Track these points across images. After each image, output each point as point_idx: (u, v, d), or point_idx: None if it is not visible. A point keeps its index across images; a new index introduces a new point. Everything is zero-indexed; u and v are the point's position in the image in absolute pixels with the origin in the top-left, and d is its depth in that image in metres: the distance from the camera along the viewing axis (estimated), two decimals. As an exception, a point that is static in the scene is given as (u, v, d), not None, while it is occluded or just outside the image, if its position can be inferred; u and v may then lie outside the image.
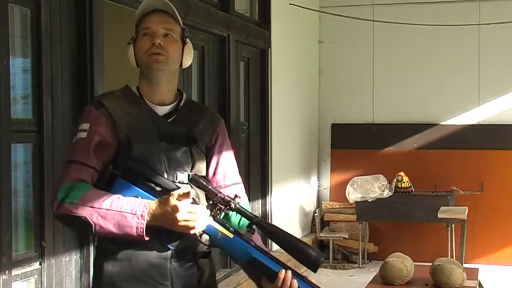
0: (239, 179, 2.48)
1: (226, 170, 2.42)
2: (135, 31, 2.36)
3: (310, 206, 8.86)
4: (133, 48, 2.34)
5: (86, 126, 2.26)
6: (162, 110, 2.34)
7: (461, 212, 7.08)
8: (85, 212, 2.12)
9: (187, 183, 2.23)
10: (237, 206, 2.18)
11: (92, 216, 2.11)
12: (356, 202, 8.22)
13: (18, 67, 3.79)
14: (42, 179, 3.81)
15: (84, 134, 2.24)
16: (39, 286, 3.81)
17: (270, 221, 7.29)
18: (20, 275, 3.65)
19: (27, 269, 3.73)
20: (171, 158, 2.28)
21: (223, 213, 2.20)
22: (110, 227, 2.11)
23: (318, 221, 8.44)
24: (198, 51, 5.97)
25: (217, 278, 6.75)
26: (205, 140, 2.38)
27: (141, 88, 2.36)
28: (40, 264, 3.81)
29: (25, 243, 3.80)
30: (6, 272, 3.45)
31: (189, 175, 2.26)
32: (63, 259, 3.99)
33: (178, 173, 2.26)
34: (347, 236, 8.36)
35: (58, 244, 3.93)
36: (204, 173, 2.36)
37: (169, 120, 2.34)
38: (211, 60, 6.18)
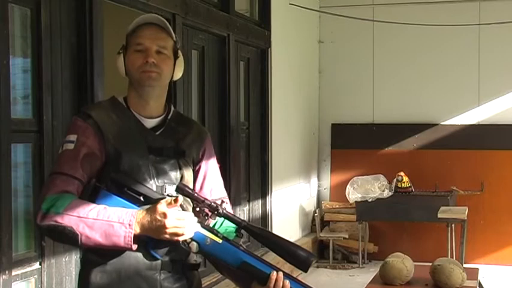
0: (225, 193, 2.47)
1: (212, 185, 2.41)
2: (125, 41, 2.32)
3: (310, 206, 8.86)
4: (124, 58, 2.30)
5: (73, 137, 2.22)
6: (150, 123, 2.32)
7: (461, 212, 7.08)
8: (71, 222, 2.08)
9: (175, 196, 2.19)
10: (224, 211, 2.17)
11: (78, 226, 2.07)
12: (356, 202, 8.22)
13: (18, 67, 3.79)
14: (42, 179, 3.80)
15: (71, 146, 2.21)
16: (39, 286, 3.81)
17: (270, 221, 7.30)
18: (20, 275, 3.65)
19: (27, 269, 3.73)
20: (160, 170, 2.26)
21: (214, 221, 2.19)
22: (97, 236, 2.07)
23: (318, 221, 8.44)
24: (198, 51, 5.97)
25: (217, 279, 6.73)
26: (192, 154, 2.37)
27: (129, 100, 2.33)
28: (40, 264, 3.81)
29: (25, 243, 3.80)
30: (6, 272, 3.45)
31: (177, 186, 2.22)
32: (63, 259, 3.99)
33: (167, 185, 2.25)
34: (347, 236, 8.36)
35: (58, 244, 3.92)
36: (191, 186, 2.34)
37: (157, 133, 2.32)
38: (211, 60, 6.18)
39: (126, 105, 2.33)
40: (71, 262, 4.05)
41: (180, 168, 2.31)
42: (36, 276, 3.80)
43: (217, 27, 6.09)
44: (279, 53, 7.48)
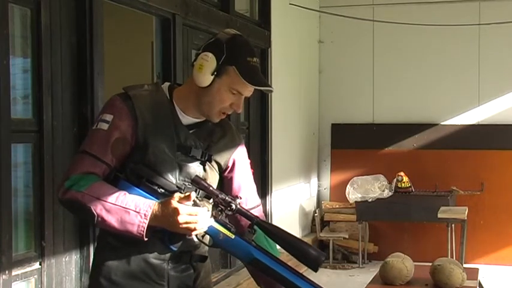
0: (259, 200, 2.51)
1: (248, 195, 2.44)
2: (222, 59, 2.24)
3: (310, 206, 8.86)
4: (213, 83, 2.24)
5: (109, 117, 2.23)
6: (187, 120, 2.33)
7: (461, 212, 7.08)
8: (90, 202, 2.12)
9: (189, 186, 2.23)
10: (238, 207, 2.19)
11: (96, 208, 2.12)
12: (356, 202, 8.22)
13: (18, 67, 3.79)
14: (42, 179, 3.81)
15: (105, 126, 2.22)
16: (39, 286, 3.81)
17: (270, 221, 7.29)
18: (20, 275, 3.65)
19: (27, 269, 3.73)
20: (184, 168, 2.28)
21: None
22: (113, 221, 2.12)
23: (318, 221, 8.44)
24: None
25: (217, 278, 6.73)
26: (220, 160, 2.38)
27: (179, 95, 2.32)
28: (40, 264, 3.81)
29: (25, 243, 3.80)
30: (6, 272, 3.45)
31: (193, 178, 2.24)
32: (63, 259, 3.99)
33: (187, 184, 2.25)
34: (347, 236, 8.36)
35: (58, 244, 3.93)
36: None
37: (191, 131, 2.32)
38: (211, 60, 6.16)
39: (170, 95, 2.33)
40: (71, 262, 4.05)
41: (205, 171, 2.32)
42: (36, 276, 3.79)
43: (217, 27, 6.08)
44: (279, 53, 7.48)
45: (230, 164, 2.42)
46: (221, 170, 2.41)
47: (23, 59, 3.83)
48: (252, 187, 2.49)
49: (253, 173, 2.54)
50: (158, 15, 5.17)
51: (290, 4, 7.73)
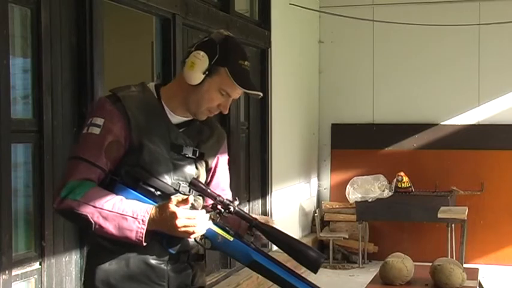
0: (231, 195, 2.50)
1: (225, 192, 2.45)
2: (214, 59, 2.24)
3: (310, 206, 8.86)
4: (203, 82, 2.24)
5: (99, 121, 2.20)
6: (176, 119, 2.33)
7: (461, 212, 7.08)
8: (87, 210, 2.11)
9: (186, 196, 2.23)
10: (236, 209, 2.19)
11: (93, 216, 2.10)
12: (356, 202, 8.22)
13: (18, 67, 3.79)
14: (42, 179, 3.81)
15: (97, 130, 2.20)
16: (39, 286, 3.81)
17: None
18: (20, 275, 3.65)
19: (27, 269, 3.73)
20: (178, 167, 2.28)
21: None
22: (110, 228, 2.11)
23: (318, 221, 8.44)
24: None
25: (217, 278, 6.73)
26: (209, 157, 2.40)
27: (167, 95, 2.32)
28: (40, 264, 3.81)
29: (25, 243, 3.80)
30: (6, 272, 3.45)
31: (190, 180, 2.25)
32: (63, 259, 3.99)
33: (181, 183, 2.25)
34: (347, 236, 8.36)
35: (58, 244, 3.93)
36: None
37: (180, 130, 2.33)
38: (211, 60, 6.16)
39: (158, 94, 2.33)
40: (71, 262, 4.05)
41: (197, 168, 2.34)
42: (36, 276, 3.79)
43: (217, 27, 6.08)
44: (279, 53, 7.48)
45: (217, 160, 2.45)
46: (207, 168, 2.41)
47: (23, 59, 3.83)
48: (228, 183, 2.52)
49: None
50: (158, 15, 5.17)
51: (290, 4, 7.73)
